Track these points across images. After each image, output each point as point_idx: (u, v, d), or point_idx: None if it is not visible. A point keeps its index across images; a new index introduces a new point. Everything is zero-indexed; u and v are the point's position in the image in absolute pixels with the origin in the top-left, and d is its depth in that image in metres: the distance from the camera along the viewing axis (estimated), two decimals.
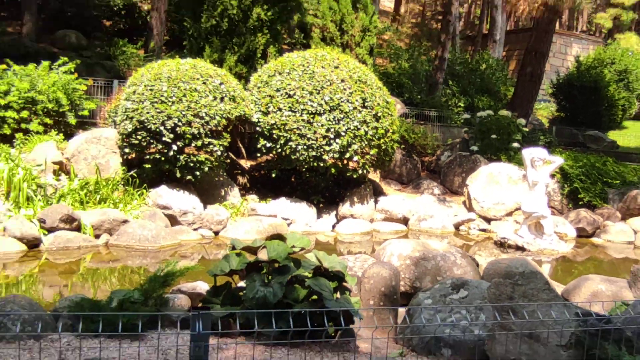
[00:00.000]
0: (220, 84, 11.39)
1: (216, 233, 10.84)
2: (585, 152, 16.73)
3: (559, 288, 6.87)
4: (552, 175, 12.83)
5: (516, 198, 13.03)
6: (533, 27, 21.53)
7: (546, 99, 25.16)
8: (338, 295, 5.32)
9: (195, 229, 10.69)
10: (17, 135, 11.94)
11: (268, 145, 11.90)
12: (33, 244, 9.18)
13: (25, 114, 12.02)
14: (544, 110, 24.40)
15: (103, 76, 15.12)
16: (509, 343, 4.65)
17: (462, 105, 20.71)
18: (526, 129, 16.83)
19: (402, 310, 6.08)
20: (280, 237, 5.57)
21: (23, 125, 12.07)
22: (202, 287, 6.55)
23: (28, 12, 18.24)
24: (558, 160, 12.11)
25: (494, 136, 15.74)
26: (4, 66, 12.47)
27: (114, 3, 19.89)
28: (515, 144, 15.47)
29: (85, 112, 13.05)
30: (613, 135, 21.58)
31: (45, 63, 12.89)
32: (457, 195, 14.73)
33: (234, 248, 5.65)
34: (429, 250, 7.24)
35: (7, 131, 11.86)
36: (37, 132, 12.04)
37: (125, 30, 20.00)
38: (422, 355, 5.11)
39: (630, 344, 4.62)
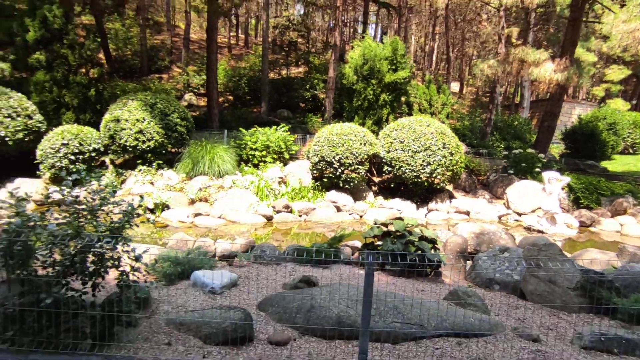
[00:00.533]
0: (363, 136, 11.55)
1: (361, 216, 10.92)
2: (585, 175, 14.98)
3: (568, 256, 6.36)
4: (562, 188, 11.68)
5: (537, 201, 11.96)
6: (549, 98, 19.52)
7: (557, 141, 22.66)
8: (432, 251, 5.41)
9: (349, 214, 10.81)
10: (260, 164, 12.59)
11: (389, 169, 11.91)
12: (269, 219, 9.79)
13: (264, 153, 12.69)
14: (556, 148, 21.91)
15: (300, 133, 15.75)
16: (536, 284, 4.50)
17: (502, 146, 19.31)
18: (544, 160, 15.34)
19: (469, 263, 6.01)
20: (400, 218, 5.75)
21: (263, 159, 12.73)
22: (357, 244, 6.67)
23: (264, 101, 19.80)
24: (566, 179, 11.00)
25: (523, 164, 14.58)
26: (254, 129, 13.34)
27: (305, 95, 21.00)
28: (537, 169, 14.23)
29: (293, 152, 13.50)
30: (605, 164, 18.91)
31: (273, 127, 13.46)
32: (499, 199, 13.75)
33: (375, 223, 5.94)
34: (484, 229, 7.02)
35: (255, 161, 12.62)
36: (270, 162, 12.69)
37: (311, 108, 20.91)
38: (481, 288, 5.05)
39: (618, 291, 4.28)
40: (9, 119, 10.06)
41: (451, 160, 11.72)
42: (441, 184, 12.03)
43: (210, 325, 3.30)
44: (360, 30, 35.47)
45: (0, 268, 3.59)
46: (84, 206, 3.28)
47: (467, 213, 12.20)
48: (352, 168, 11.20)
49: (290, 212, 10.19)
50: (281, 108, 20.32)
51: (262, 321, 3.67)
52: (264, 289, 4.52)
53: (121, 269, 3.22)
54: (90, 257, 3.16)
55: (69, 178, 3.21)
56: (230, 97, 22.03)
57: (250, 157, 12.72)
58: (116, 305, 3.18)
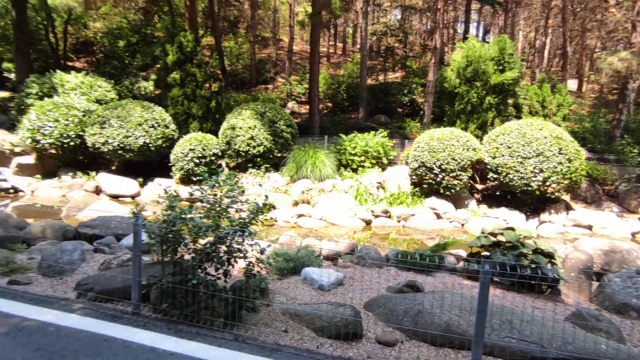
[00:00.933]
0: (466, 141, 11.01)
1: (462, 225, 10.41)
2: None
3: None
4: None
5: None
6: None
7: None
8: (549, 266, 4.93)
9: (450, 222, 10.39)
10: (359, 168, 12.74)
11: (494, 176, 11.10)
12: (367, 222, 9.91)
13: (362, 158, 12.82)
14: None
15: (398, 138, 15.56)
16: None
17: (636, 151, 16.47)
18: None
19: (594, 283, 5.31)
20: (511, 228, 5.36)
21: (361, 163, 12.81)
22: (461, 253, 6.39)
23: (361, 107, 20.06)
24: None
25: None
26: (353, 135, 13.53)
27: (403, 100, 20.72)
28: None
29: (391, 157, 13.42)
30: None
31: (372, 133, 13.60)
32: (633, 214, 11.77)
33: (482, 232, 5.62)
34: (615, 246, 6.12)
35: (354, 166, 12.82)
36: (368, 167, 12.73)
37: (409, 113, 20.58)
38: (612, 313, 4.43)
39: None
40: (152, 129, 11.92)
41: (569, 167, 10.49)
42: (556, 194, 10.84)
43: (322, 318, 3.51)
44: (460, 30, 33.66)
45: (153, 252, 4.31)
46: (216, 203, 3.77)
47: (589, 227, 10.76)
48: (454, 174, 10.73)
49: (389, 217, 10.15)
50: (378, 113, 20.36)
51: (370, 321, 3.77)
52: (368, 290, 4.62)
53: (247, 260, 3.62)
54: (223, 248, 3.61)
55: (211, 180, 3.72)
56: (329, 104, 22.75)
57: (349, 161, 12.98)
58: (243, 291, 3.58)
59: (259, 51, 29.45)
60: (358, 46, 36.98)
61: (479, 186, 12.46)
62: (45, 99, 12.64)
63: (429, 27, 35.05)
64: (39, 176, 12.27)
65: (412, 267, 5.39)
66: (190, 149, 11.95)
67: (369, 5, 24.77)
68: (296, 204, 10.76)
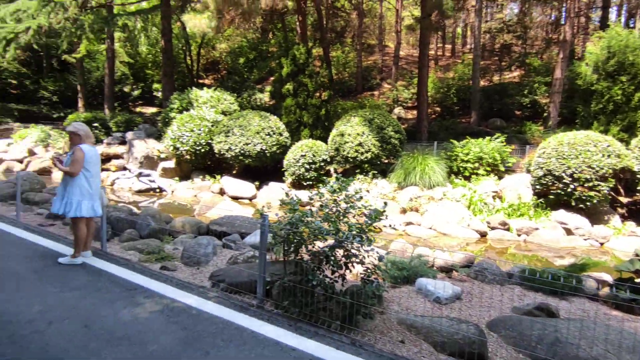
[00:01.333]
0: (607, 145, 9.43)
1: (601, 244, 8.85)
2: None
3: None
4: None
5: None
6: None
7: None
8: None
9: (585, 239, 8.93)
10: (472, 176, 11.99)
11: None
12: (482, 235, 9.18)
13: (476, 165, 12.04)
14: None
15: (517, 143, 14.09)
16: None
17: None
18: None
19: None
20: None
21: (475, 171, 12.05)
22: (606, 277, 5.41)
23: (474, 110, 18.75)
24: None
25: None
26: (466, 140, 12.80)
27: (522, 101, 18.76)
28: None
29: (509, 164, 12.34)
30: None
31: (487, 138, 12.65)
32: None
33: (637, 255, 4.72)
34: None
35: (467, 174, 12.08)
36: (482, 175, 11.91)
37: (529, 115, 18.57)
38: None
39: None
40: (268, 136, 12.92)
41: None
42: None
43: (441, 333, 3.32)
44: (595, 18, 29.12)
45: (272, 251, 4.61)
46: (335, 207, 3.86)
47: None
48: (590, 185, 9.27)
49: (507, 229, 9.22)
50: (493, 117, 18.81)
51: (495, 342, 3.44)
52: (490, 308, 4.24)
53: (365, 265, 3.62)
54: (340, 252, 3.68)
55: (331, 184, 3.83)
56: (438, 109, 21.81)
57: (460, 169, 12.24)
58: (360, 296, 3.59)
59: (365, 58, 29.75)
60: (468, 47, 34.77)
61: (624, 199, 10.53)
62: (184, 112, 14.69)
63: (554, 18, 31.14)
64: (177, 178, 14.29)
65: (540, 288, 4.78)
66: (302, 155, 12.60)
67: (482, 1, 23.09)
68: (404, 211, 10.49)
